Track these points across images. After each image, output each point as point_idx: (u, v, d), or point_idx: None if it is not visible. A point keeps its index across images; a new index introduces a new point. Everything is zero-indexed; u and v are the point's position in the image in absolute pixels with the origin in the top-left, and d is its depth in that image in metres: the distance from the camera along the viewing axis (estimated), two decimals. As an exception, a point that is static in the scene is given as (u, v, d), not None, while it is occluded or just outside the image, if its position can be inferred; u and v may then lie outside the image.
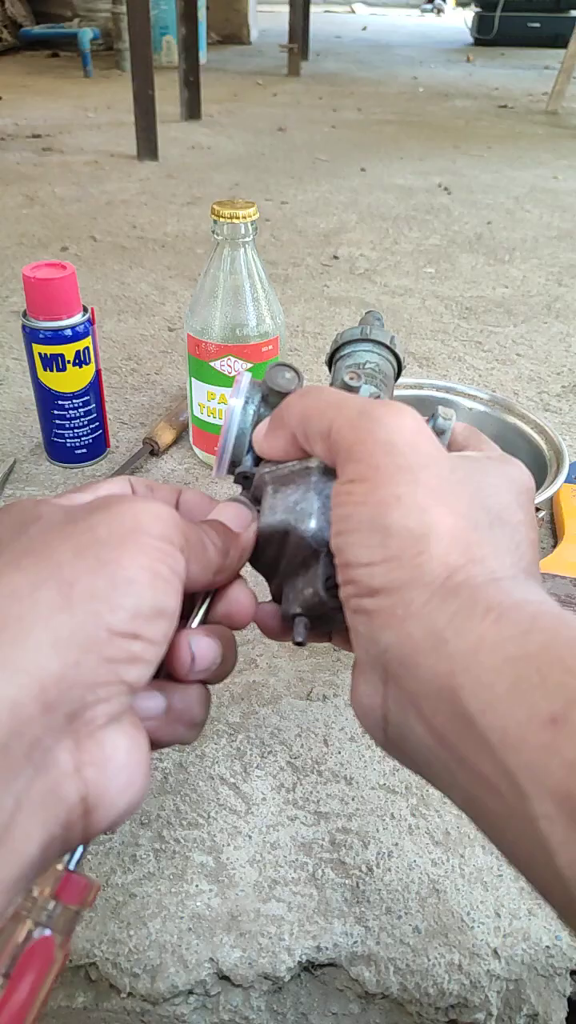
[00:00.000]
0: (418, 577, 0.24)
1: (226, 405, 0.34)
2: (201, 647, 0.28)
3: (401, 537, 0.25)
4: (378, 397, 0.35)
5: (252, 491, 0.33)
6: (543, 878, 0.20)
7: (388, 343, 0.37)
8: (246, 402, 0.34)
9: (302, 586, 0.30)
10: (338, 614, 0.28)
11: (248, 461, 0.34)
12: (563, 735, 0.19)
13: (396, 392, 0.70)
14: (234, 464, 0.34)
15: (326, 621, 0.30)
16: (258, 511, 0.31)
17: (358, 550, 0.25)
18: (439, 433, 0.32)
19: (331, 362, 0.38)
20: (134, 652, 0.24)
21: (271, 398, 0.34)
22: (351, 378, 0.34)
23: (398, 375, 0.38)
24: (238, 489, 0.34)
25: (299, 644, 0.30)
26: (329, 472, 0.30)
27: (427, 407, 0.69)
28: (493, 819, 0.22)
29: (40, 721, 0.22)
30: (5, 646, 0.22)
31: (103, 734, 0.24)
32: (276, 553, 0.31)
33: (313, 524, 0.29)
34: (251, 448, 0.34)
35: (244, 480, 0.34)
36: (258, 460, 0.34)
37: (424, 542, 0.25)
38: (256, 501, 0.32)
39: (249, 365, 0.66)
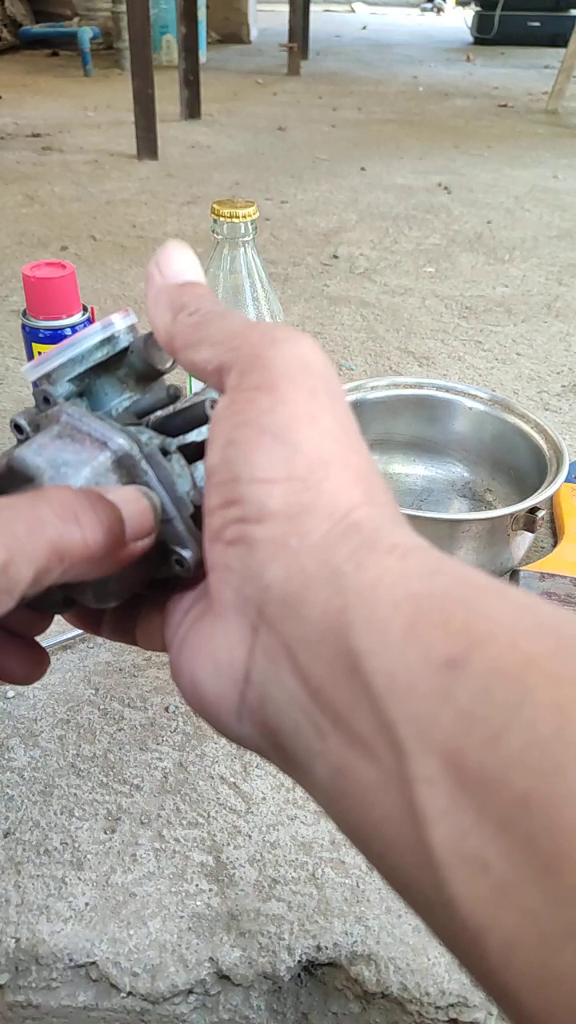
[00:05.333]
0: (320, 505, 0.21)
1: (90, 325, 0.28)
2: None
3: (309, 457, 0.22)
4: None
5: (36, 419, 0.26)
6: (406, 865, 0.17)
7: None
8: (113, 336, 0.27)
9: None
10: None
11: (66, 389, 0.27)
12: (460, 681, 0.17)
13: (395, 391, 0.70)
14: (49, 379, 0.27)
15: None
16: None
17: (257, 462, 0.22)
18: None
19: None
20: None
21: (138, 367, 0.28)
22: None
23: None
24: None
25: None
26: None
27: (427, 407, 0.69)
28: (360, 794, 0.18)
29: None
30: None
31: None
32: None
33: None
34: (81, 377, 0.27)
35: (44, 403, 0.27)
36: (80, 395, 0.28)
37: (330, 468, 0.22)
38: (36, 429, 0.26)
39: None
